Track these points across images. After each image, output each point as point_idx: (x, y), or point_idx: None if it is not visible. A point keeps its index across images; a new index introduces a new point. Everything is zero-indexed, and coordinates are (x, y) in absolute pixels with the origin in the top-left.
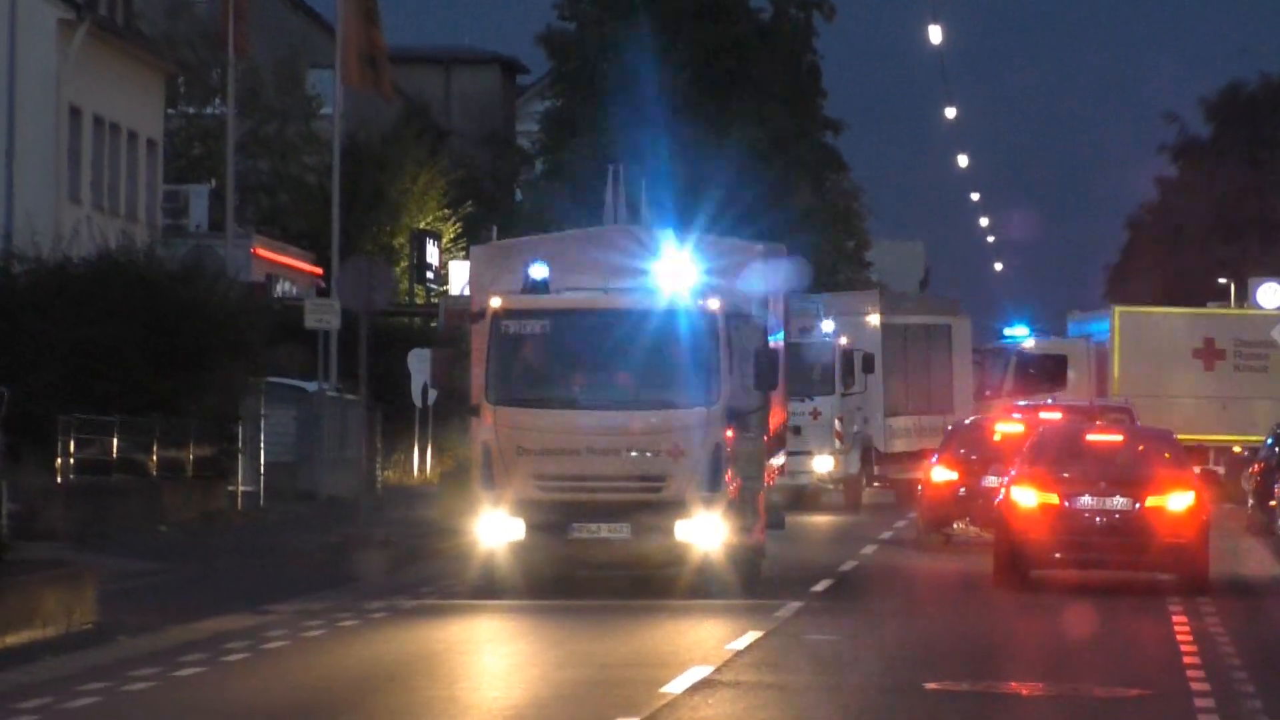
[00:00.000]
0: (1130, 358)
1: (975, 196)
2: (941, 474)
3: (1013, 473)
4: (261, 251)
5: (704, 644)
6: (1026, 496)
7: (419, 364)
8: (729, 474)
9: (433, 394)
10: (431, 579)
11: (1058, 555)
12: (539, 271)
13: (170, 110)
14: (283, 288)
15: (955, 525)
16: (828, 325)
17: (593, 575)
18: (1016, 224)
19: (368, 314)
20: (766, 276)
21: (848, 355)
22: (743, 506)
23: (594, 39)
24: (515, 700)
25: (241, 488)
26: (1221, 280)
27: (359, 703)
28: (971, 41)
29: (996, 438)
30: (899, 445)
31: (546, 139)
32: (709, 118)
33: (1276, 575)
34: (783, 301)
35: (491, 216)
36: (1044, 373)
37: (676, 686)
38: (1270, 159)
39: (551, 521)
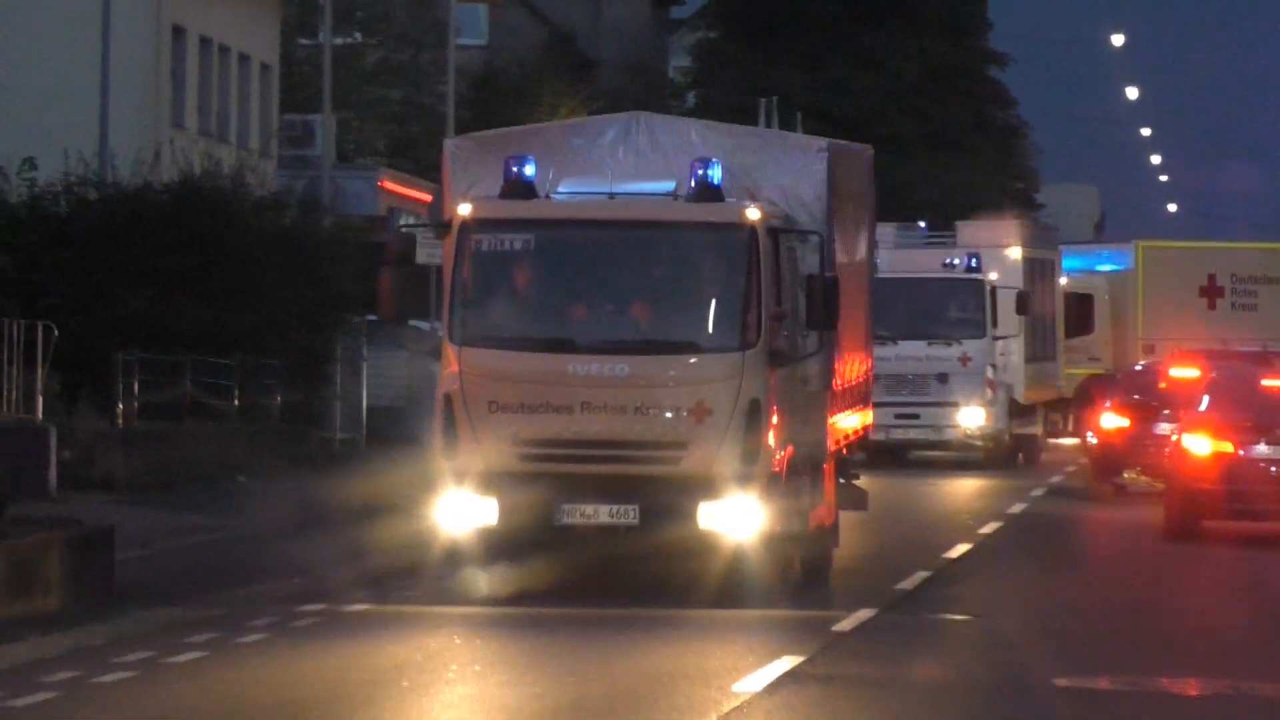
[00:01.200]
0: (1152, 297)
1: (1146, 132)
2: (1112, 420)
3: (1185, 420)
4: (389, 184)
5: (800, 626)
6: (1199, 445)
7: None
8: (774, 440)
9: None
10: None
11: (1232, 507)
12: (525, 169)
13: (304, 41)
14: (408, 222)
15: (1126, 474)
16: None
17: (592, 571)
18: (1191, 163)
19: None
20: (833, 182)
21: (996, 293)
22: (796, 483)
23: None
24: (560, 699)
25: (339, 435)
26: None
27: (368, 700)
28: None
29: (1164, 385)
30: (1030, 396)
31: (699, 71)
32: (865, 50)
33: None
34: (865, 220)
35: None
36: (1074, 313)
37: (754, 683)
38: None
39: (534, 502)
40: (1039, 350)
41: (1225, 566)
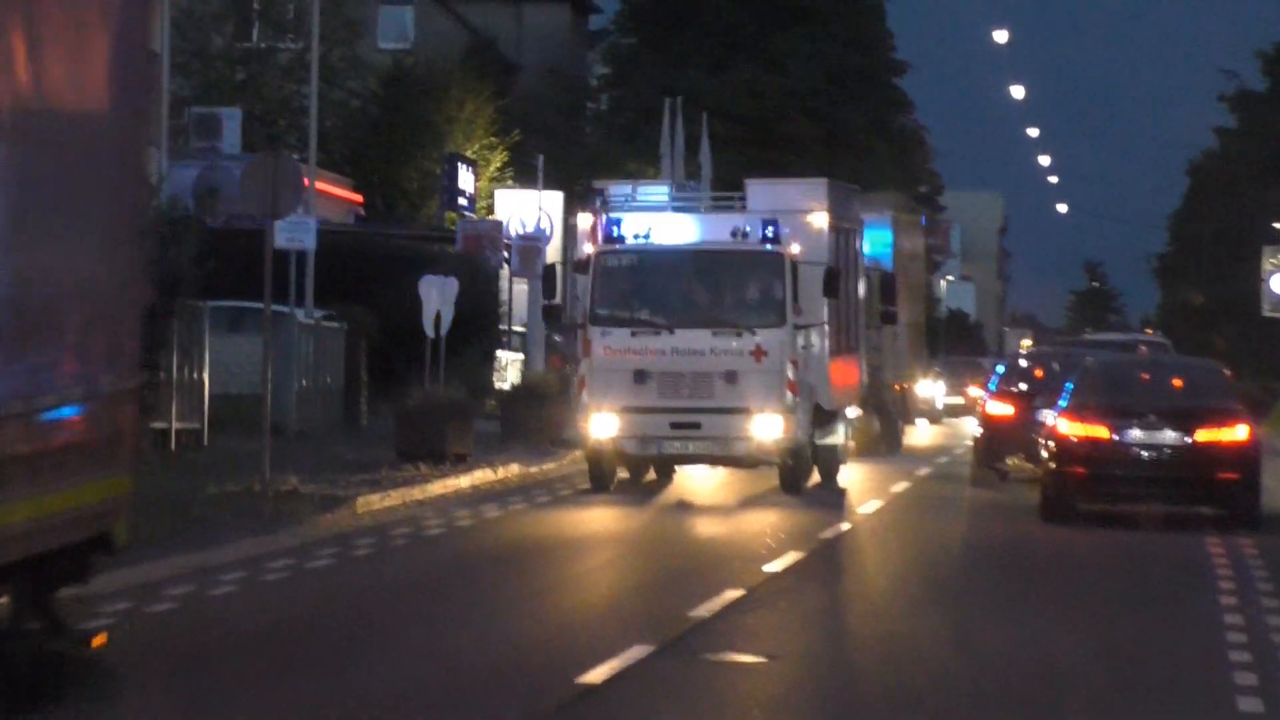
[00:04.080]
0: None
1: (1034, 132)
2: (997, 408)
3: (1062, 406)
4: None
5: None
6: (1075, 430)
7: (430, 290)
8: None
9: (446, 322)
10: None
11: (1106, 490)
12: None
13: (219, 37)
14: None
15: (1009, 460)
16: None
17: None
18: (1083, 165)
19: (271, 219)
20: None
21: (798, 270)
22: None
23: None
24: None
25: (176, 424)
26: (1277, 225)
27: None
28: None
29: (1040, 374)
30: (836, 398)
31: (613, 75)
32: (768, 54)
33: None
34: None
35: (551, 147)
36: (884, 298)
37: None
38: None
39: None
40: (844, 342)
41: (1094, 555)
